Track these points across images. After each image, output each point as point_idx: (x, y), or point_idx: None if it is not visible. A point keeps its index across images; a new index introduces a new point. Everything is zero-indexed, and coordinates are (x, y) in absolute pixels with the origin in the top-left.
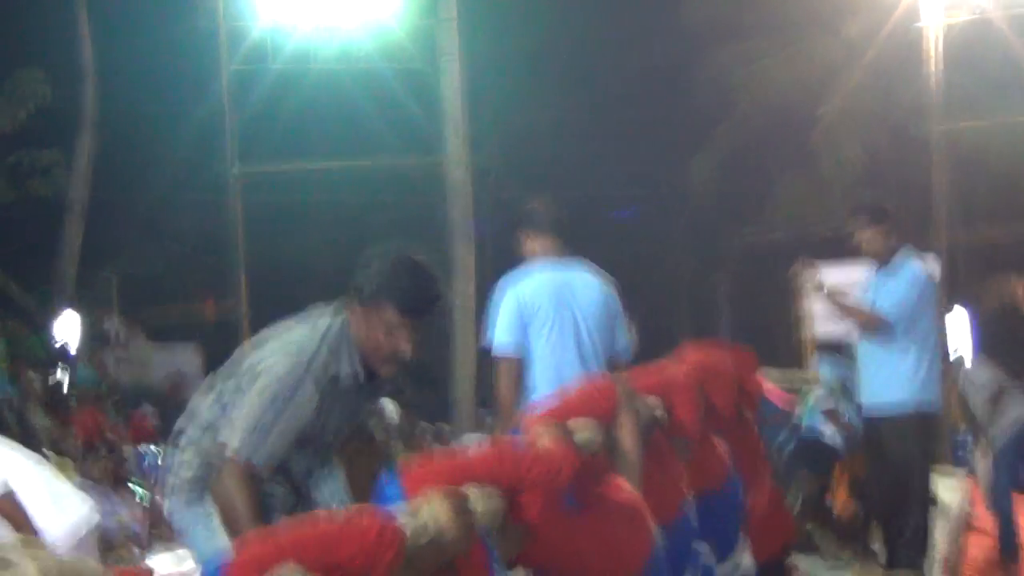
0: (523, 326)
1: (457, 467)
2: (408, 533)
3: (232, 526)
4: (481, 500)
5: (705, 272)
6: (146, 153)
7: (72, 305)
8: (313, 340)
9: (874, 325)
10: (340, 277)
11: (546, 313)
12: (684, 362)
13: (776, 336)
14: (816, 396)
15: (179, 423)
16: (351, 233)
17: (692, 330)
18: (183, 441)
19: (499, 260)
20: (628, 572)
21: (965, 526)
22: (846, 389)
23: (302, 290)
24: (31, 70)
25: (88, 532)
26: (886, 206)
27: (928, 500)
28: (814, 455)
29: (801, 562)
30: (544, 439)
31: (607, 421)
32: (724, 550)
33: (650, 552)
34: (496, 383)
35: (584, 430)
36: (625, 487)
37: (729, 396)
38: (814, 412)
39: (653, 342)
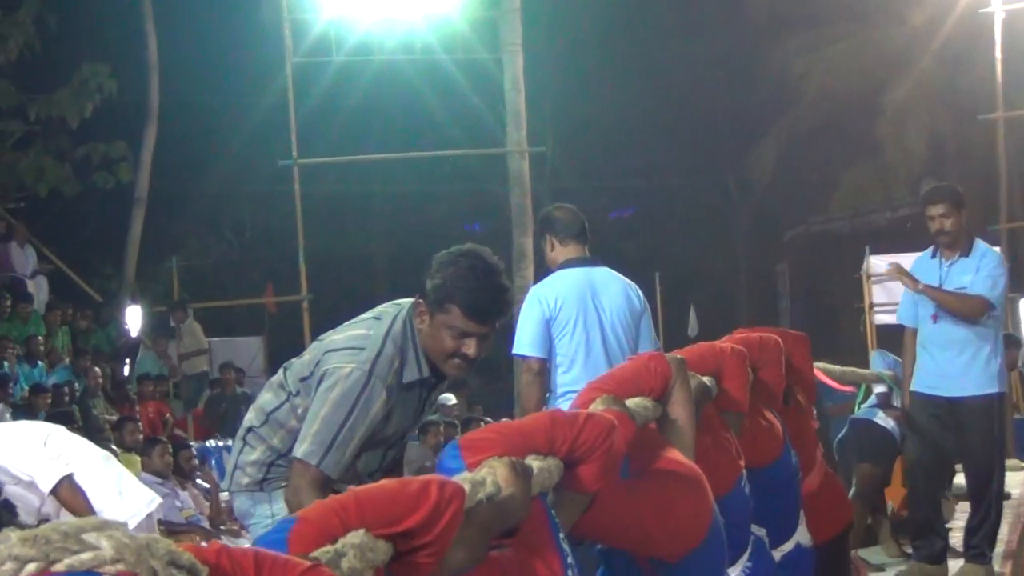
0: (546, 327)
1: (515, 434)
2: (468, 492)
3: None
4: (539, 463)
5: (767, 261)
6: (208, 145)
7: (135, 297)
8: (377, 340)
9: (974, 308)
10: (399, 267)
11: (568, 313)
12: (733, 340)
13: (839, 327)
14: (871, 385)
15: (246, 417)
16: (411, 224)
17: (752, 319)
18: (249, 435)
19: None
20: (689, 539)
21: None
22: (897, 379)
23: (362, 281)
24: (97, 64)
25: (148, 519)
26: (962, 192)
27: (1003, 490)
28: (872, 444)
29: (865, 555)
30: (598, 408)
31: (658, 396)
32: (782, 527)
33: (710, 520)
34: (519, 385)
35: (637, 402)
36: (682, 458)
37: (778, 373)
38: (869, 401)
39: (713, 330)
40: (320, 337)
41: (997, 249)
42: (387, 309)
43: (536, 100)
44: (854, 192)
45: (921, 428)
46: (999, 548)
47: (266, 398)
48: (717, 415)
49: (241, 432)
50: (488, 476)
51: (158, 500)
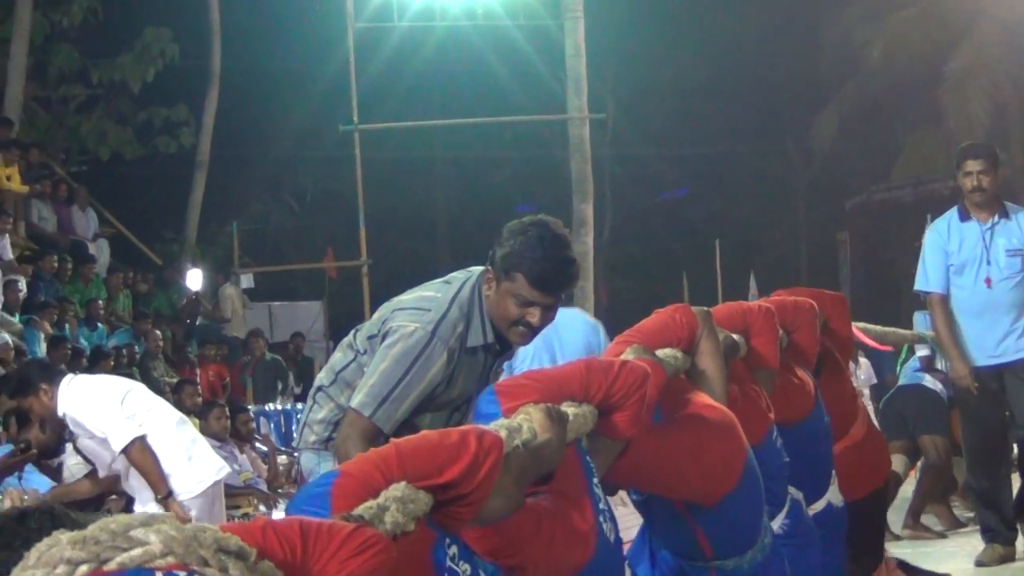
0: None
1: (551, 381)
2: (505, 439)
3: None
4: (574, 410)
5: (828, 229)
6: (270, 110)
7: (196, 261)
8: (444, 303)
9: None
10: (460, 233)
11: (526, 351)
12: (769, 301)
13: (900, 295)
14: (914, 347)
15: (318, 376)
16: (473, 189)
17: (812, 284)
18: (318, 393)
19: (617, 215)
20: (724, 481)
21: None
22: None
23: (422, 246)
24: (159, 29)
25: (215, 486)
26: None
27: None
28: (930, 412)
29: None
30: (629, 358)
31: (686, 347)
32: (814, 486)
33: (744, 462)
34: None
35: (667, 352)
36: (714, 403)
37: (812, 336)
38: (912, 363)
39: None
40: (392, 301)
41: None
42: (457, 275)
43: (598, 66)
44: (916, 160)
45: (976, 406)
46: None
47: (337, 357)
48: (746, 370)
49: (312, 391)
50: (524, 423)
51: (227, 469)
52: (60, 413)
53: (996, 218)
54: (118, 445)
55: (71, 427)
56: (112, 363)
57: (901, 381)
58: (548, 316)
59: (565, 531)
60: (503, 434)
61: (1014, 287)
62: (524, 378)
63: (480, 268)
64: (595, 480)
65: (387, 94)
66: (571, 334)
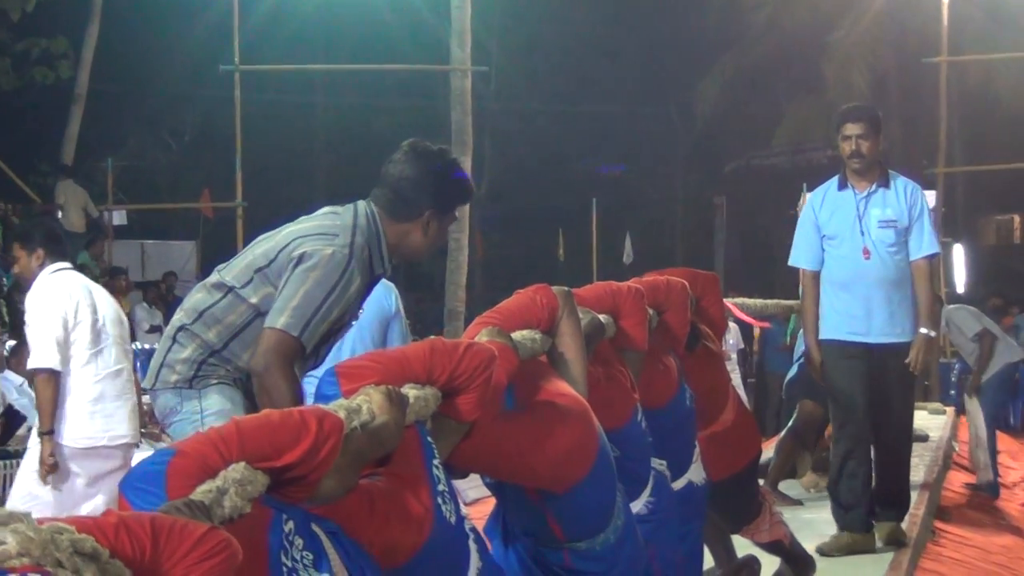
0: None
1: (393, 363)
2: (345, 423)
3: (271, 402)
4: (415, 391)
5: (705, 193)
6: (152, 46)
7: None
8: (348, 229)
9: (935, 270)
10: (338, 179)
11: None
12: (641, 282)
13: (774, 261)
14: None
15: (174, 317)
16: (354, 136)
17: (688, 250)
18: (180, 333)
19: (495, 167)
20: (573, 471)
21: (949, 462)
22: None
23: (300, 191)
24: None
25: (104, 451)
26: (880, 118)
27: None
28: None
29: (784, 488)
30: (482, 340)
31: (546, 327)
32: (675, 466)
33: (596, 452)
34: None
35: (524, 335)
36: (569, 391)
37: (683, 316)
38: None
39: (648, 259)
40: (265, 235)
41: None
42: (338, 208)
43: (485, 18)
44: (796, 128)
45: (839, 380)
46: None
47: (198, 297)
48: (613, 351)
49: (169, 331)
50: (364, 404)
51: (125, 439)
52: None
53: (874, 187)
54: (31, 362)
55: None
56: None
57: (798, 359)
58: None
59: (399, 513)
60: (342, 415)
61: (886, 261)
62: (366, 359)
63: (360, 202)
64: (435, 462)
65: (271, 37)
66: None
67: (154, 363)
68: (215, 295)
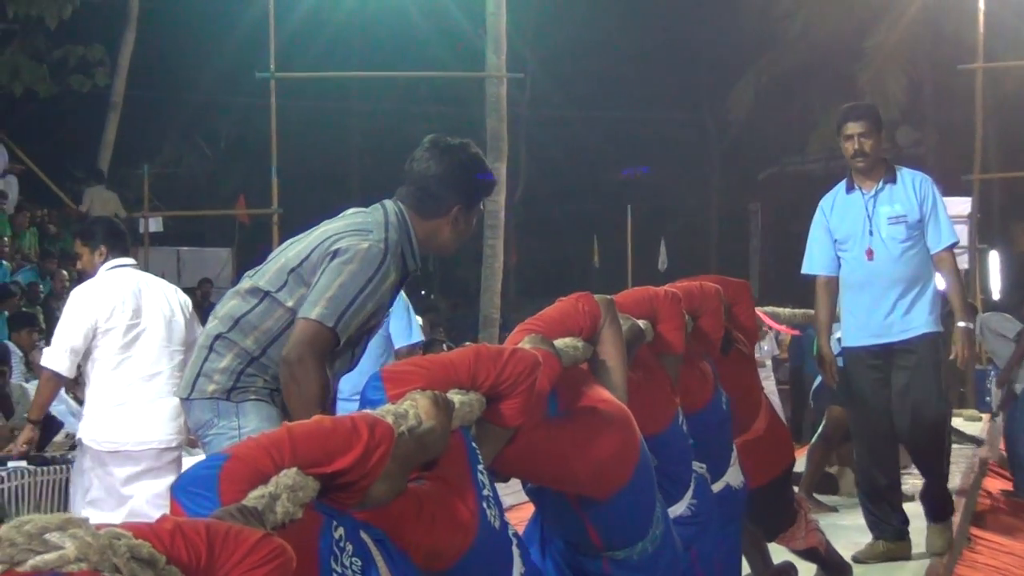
0: None
1: (438, 368)
2: (391, 425)
3: (299, 393)
4: (460, 396)
5: (740, 199)
6: (188, 54)
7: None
8: (381, 226)
9: (955, 261)
10: (372, 186)
11: None
12: (674, 287)
13: None
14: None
15: (208, 326)
16: (388, 143)
17: (723, 256)
18: (217, 342)
19: (529, 174)
20: (615, 478)
21: (985, 468)
22: None
23: (334, 198)
24: None
25: (121, 455)
26: (880, 115)
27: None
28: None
29: (824, 500)
30: (526, 346)
31: (588, 336)
32: (712, 469)
33: (637, 460)
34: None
35: (566, 342)
36: (610, 398)
37: (717, 321)
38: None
39: (683, 265)
40: (295, 239)
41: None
42: (365, 209)
43: (520, 26)
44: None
45: (861, 389)
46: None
47: (231, 304)
48: (653, 356)
49: (204, 341)
50: (410, 409)
51: (150, 445)
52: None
53: (881, 184)
54: (43, 357)
55: None
56: (17, 300)
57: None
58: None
59: (446, 517)
60: (390, 420)
61: (899, 258)
62: (411, 364)
63: (388, 201)
64: (480, 467)
65: (306, 44)
66: None
67: (189, 373)
68: (250, 301)
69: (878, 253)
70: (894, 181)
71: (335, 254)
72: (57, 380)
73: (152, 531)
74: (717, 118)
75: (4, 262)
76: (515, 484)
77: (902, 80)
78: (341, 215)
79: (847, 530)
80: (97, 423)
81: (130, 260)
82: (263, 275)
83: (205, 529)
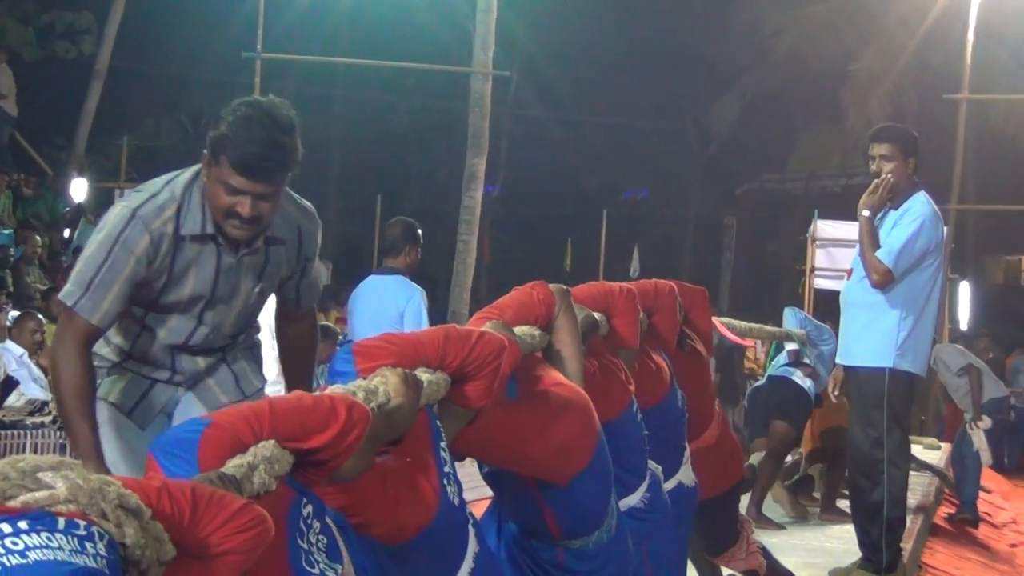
0: None
1: (408, 346)
2: (361, 400)
3: (55, 379)
4: (428, 376)
5: (717, 212)
6: (175, 27)
7: (83, 171)
8: (158, 185)
9: (871, 273)
10: (351, 174)
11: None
12: (627, 284)
13: (779, 285)
14: (783, 343)
15: None
16: (370, 132)
17: (695, 267)
18: None
19: (508, 172)
20: (573, 461)
21: (941, 497)
22: (808, 338)
23: (312, 183)
24: None
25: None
26: (916, 138)
27: (891, 461)
28: (788, 402)
29: (769, 513)
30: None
31: (544, 324)
32: (668, 466)
33: (596, 445)
34: None
35: (523, 330)
36: (568, 383)
37: (672, 319)
38: (781, 357)
39: (654, 274)
40: None
41: (930, 205)
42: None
43: (507, 25)
44: (811, 155)
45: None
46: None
47: None
48: (607, 347)
49: None
50: (380, 385)
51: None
52: None
53: (888, 208)
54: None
55: None
56: None
57: (769, 373)
58: (262, 207)
59: (410, 492)
60: (360, 396)
61: (860, 283)
62: (382, 340)
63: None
64: (443, 444)
65: (294, 26)
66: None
67: None
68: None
69: (854, 274)
70: (897, 207)
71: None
72: None
73: (140, 486)
74: (699, 130)
75: None
76: (473, 480)
77: (886, 106)
78: None
79: (797, 549)
80: None
81: None
82: None
83: (191, 491)
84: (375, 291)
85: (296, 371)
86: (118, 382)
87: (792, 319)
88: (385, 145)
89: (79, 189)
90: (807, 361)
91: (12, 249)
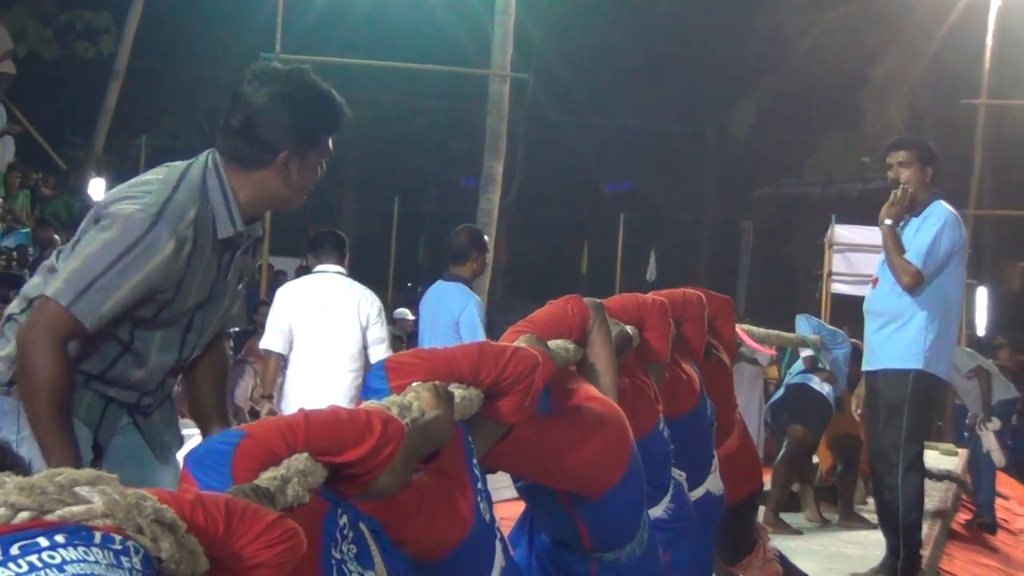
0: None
1: (442, 361)
2: (395, 415)
3: (26, 381)
4: (461, 392)
5: (734, 216)
6: (193, 27)
7: (100, 170)
8: (168, 184)
9: (902, 276)
10: (368, 175)
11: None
12: (656, 294)
13: (796, 290)
14: (797, 349)
15: (9, 307)
16: (387, 134)
17: (712, 271)
18: (8, 326)
19: (525, 174)
20: (607, 475)
21: (958, 504)
22: (822, 344)
23: (328, 185)
24: None
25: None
26: (933, 148)
27: (908, 466)
28: (806, 407)
29: (788, 519)
30: (521, 344)
31: (578, 338)
32: (694, 474)
33: (630, 459)
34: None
35: (557, 344)
36: (603, 396)
37: (700, 329)
38: (797, 366)
39: (671, 277)
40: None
41: (949, 209)
42: (176, 163)
43: (526, 28)
44: (828, 159)
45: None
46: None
47: (33, 282)
48: (637, 362)
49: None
50: (414, 401)
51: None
52: None
53: (909, 217)
54: None
55: None
56: (4, 262)
57: (787, 381)
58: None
59: (445, 509)
60: (395, 411)
61: (886, 292)
62: (414, 356)
63: (204, 153)
64: (475, 461)
65: (312, 27)
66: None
67: None
68: (47, 278)
69: (879, 283)
70: (917, 215)
71: (98, 220)
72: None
73: (175, 499)
74: (717, 133)
75: None
76: (499, 480)
77: (904, 110)
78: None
79: (815, 555)
80: None
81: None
82: (66, 249)
83: (224, 504)
84: (436, 298)
85: (217, 403)
86: (80, 401)
87: (805, 326)
88: (402, 147)
89: (97, 189)
90: (823, 366)
91: (30, 248)
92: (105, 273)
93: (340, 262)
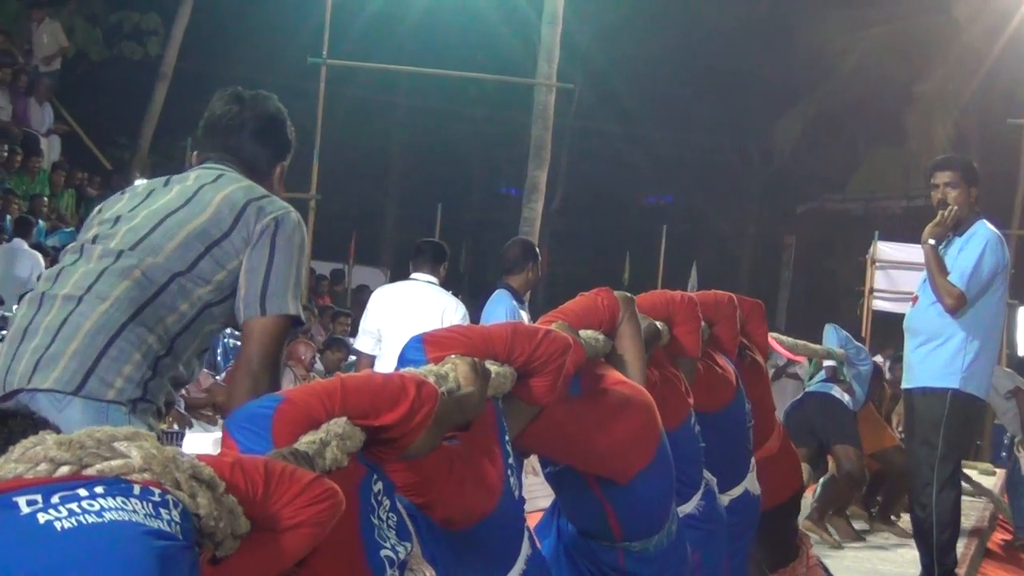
0: None
1: (478, 338)
2: (432, 384)
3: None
4: (496, 368)
5: (776, 231)
6: (240, 30)
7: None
8: (255, 184)
9: (945, 297)
10: (411, 182)
11: None
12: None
13: (837, 306)
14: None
15: (84, 305)
16: (430, 141)
17: (753, 286)
18: (123, 333)
19: (568, 184)
20: (636, 458)
21: (995, 523)
22: (847, 357)
23: (372, 190)
24: None
25: None
26: (977, 167)
27: (943, 485)
28: (840, 423)
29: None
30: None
31: (608, 329)
32: (732, 472)
33: (658, 443)
34: None
35: (587, 334)
36: (632, 382)
37: (732, 329)
38: (819, 375)
39: (713, 286)
40: (146, 196)
41: (992, 230)
42: (207, 169)
43: (572, 38)
44: (872, 176)
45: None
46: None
47: (123, 286)
48: (667, 357)
49: (98, 324)
50: (450, 372)
51: None
52: None
53: (952, 236)
54: None
55: None
56: (51, 261)
57: (808, 388)
58: None
59: (475, 477)
60: (431, 380)
61: (926, 310)
62: (452, 331)
63: (212, 166)
64: (507, 438)
65: (358, 31)
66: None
67: (77, 363)
68: (148, 283)
69: (919, 302)
70: (960, 234)
71: (277, 226)
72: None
73: (214, 461)
74: (761, 148)
75: (41, 221)
76: (533, 489)
77: (949, 128)
78: (201, 175)
79: (850, 571)
80: None
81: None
82: (152, 248)
83: (263, 466)
84: (489, 303)
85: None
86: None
87: (833, 337)
88: (447, 154)
89: None
90: (844, 379)
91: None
92: (297, 276)
93: (434, 271)
